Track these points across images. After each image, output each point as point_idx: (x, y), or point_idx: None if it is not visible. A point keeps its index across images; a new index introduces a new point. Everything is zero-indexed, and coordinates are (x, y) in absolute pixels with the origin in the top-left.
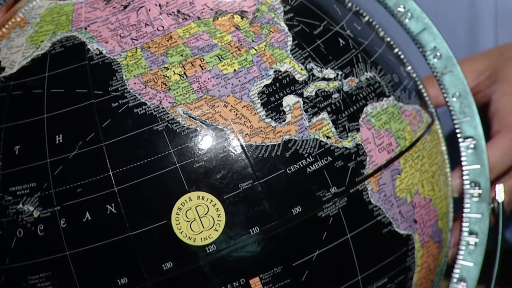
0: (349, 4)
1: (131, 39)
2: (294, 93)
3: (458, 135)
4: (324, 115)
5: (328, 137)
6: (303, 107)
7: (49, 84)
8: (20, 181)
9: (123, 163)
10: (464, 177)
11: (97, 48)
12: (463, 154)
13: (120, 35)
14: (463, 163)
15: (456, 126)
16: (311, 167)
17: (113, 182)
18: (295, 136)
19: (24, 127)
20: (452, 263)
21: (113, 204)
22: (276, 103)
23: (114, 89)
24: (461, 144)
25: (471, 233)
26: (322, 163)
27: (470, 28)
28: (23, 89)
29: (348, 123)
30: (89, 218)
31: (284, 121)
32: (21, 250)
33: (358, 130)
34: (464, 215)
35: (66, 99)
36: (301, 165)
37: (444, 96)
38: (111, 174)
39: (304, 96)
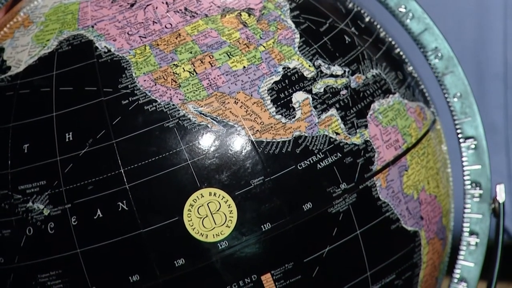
0: (350, 5)
1: (140, 36)
2: (303, 89)
3: (459, 136)
4: (333, 111)
5: (337, 133)
6: (312, 103)
7: (58, 83)
8: (29, 180)
9: (134, 160)
10: (465, 177)
11: (105, 46)
12: (464, 154)
13: (128, 33)
14: (464, 164)
15: (457, 126)
16: (321, 163)
17: (125, 179)
18: (305, 132)
19: (32, 126)
20: (453, 263)
21: (124, 201)
22: (285, 100)
23: (124, 87)
24: (462, 145)
25: (471, 233)
26: (332, 159)
27: (479, 21)
28: (30, 87)
29: (356, 119)
30: (100, 215)
31: (294, 117)
32: (31, 248)
33: (366, 126)
34: (465, 215)
35: (75, 97)
36: (312, 161)
37: (445, 96)
38: (122, 171)
39: (313, 92)
